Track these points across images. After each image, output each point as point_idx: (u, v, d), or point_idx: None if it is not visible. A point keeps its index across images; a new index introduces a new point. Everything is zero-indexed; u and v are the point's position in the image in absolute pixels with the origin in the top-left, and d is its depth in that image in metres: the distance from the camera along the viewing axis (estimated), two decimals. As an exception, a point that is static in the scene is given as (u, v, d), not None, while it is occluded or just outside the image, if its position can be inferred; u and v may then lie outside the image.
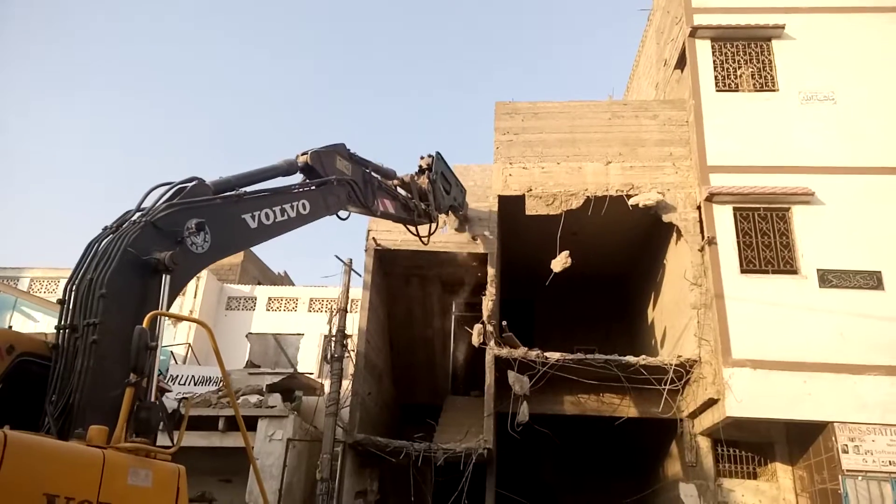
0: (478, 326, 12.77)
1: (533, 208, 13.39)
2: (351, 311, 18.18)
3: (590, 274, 16.45)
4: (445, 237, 13.62)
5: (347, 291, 14.28)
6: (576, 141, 13.81)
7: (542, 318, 17.98)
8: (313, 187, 7.80)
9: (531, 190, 13.53)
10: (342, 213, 8.51)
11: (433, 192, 11.10)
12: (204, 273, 21.76)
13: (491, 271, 13.25)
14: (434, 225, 11.62)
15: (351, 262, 15.35)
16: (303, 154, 7.89)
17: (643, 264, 15.94)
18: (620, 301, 17.60)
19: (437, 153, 11.54)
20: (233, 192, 6.60)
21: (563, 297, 17.12)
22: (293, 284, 27.92)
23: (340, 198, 8.26)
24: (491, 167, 14.15)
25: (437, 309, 15.54)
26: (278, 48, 66.75)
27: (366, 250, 13.80)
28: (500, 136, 14.11)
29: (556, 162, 13.69)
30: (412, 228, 11.16)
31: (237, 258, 25.48)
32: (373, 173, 9.27)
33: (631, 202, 13.10)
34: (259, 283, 25.54)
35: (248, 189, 6.89)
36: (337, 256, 14.16)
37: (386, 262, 14.26)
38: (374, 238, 13.72)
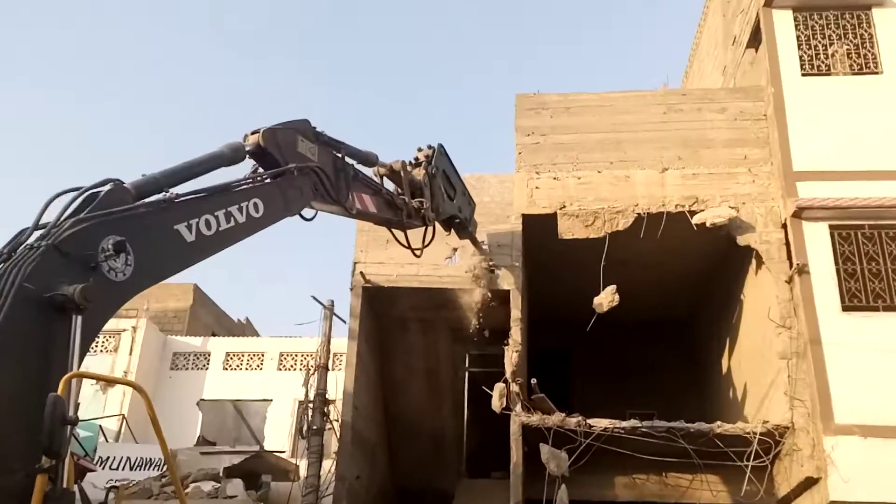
0: (499, 386, 12.63)
1: (568, 230, 13.34)
2: (333, 369, 18.00)
3: (644, 315, 16.32)
4: (454, 270, 13.57)
5: (328, 343, 14.18)
6: (621, 142, 13.81)
7: (584, 373, 17.87)
8: (268, 180, 7.53)
9: (564, 207, 13.50)
10: (307, 212, 8.22)
11: (430, 188, 10.89)
12: (142, 322, 21.77)
13: (515, 313, 13.15)
14: (431, 232, 11.42)
15: (332, 305, 15.30)
16: (253, 133, 7.61)
17: (713, 301, 15.82)
18: (684, 349, 17.49)
19: (440, 146, 11.45)
20: (161, 196, 6.27)
21: (610, 345, 16.97)
22: (258, 335, 27.88)
23: (304, 192, 7.96)
24: (511, 178, 14.15)
25: (445, 363, 15.44)
26: (255, 45, 68.02)
27: (351, 288, 13.75)
28: (522, 137, 14.14)
29: (596, 170, 13.67)
30: (399, 235, 10.91)
31: (184, 301, 25.51)
32: (347, 159, 9.00)
33: (695, 220, 13.04)
34: (214, 334, 25.49)
35: (182, 189, 6.58)
36: (314, 297, 14.17)
37: (378, 304, 14.21)
38: (361, 272, 13.69)
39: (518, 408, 12.48)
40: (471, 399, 15.40)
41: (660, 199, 13.29)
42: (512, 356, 12.77)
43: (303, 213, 8.18)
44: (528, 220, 13.61)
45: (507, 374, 12.72)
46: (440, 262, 13.60)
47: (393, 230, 10.86)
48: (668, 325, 17.27)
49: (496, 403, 12.55)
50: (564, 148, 13.92)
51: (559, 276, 15.18)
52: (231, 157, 7.25)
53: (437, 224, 11.65)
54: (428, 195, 10.81)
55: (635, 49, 68.68)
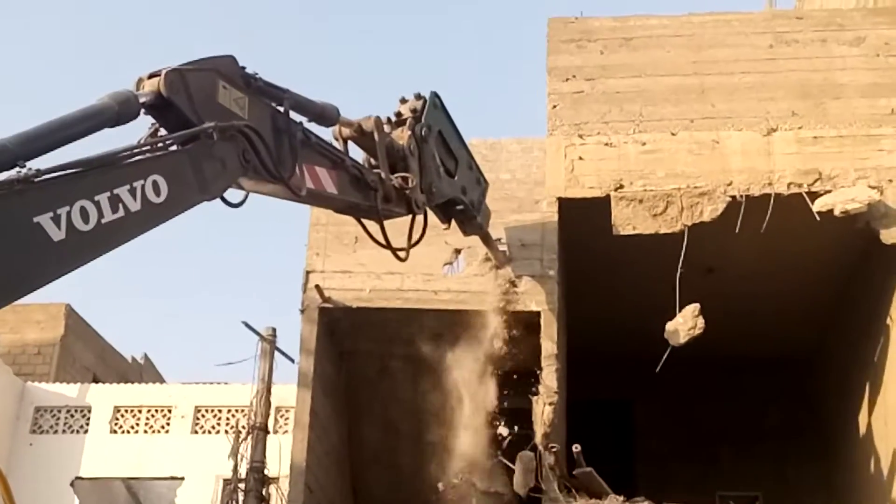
0: (524, 457, 12.62)
1: (626, 222, 13.31)
2: (276, 431, 18.01)
3: (741, 350, 16.26)
4: (458, 282, 13.54)
5: (268, 393, 14.14)
6: (705, 90, 13.79)
7: (652, 435, 17.87)
8: (173, 146, 7.54)
9: (622, 187, 13.47)
10: (232, 195, 8.18)
11: (420, 158, 11.00)
12: (-11, 362, 21.68)
13: (549, 347, 13.14)
14: (421, 224, 11.44)
15: (274, 335, 15.25)
16: (151, 76, 7.58)
17: (845, 329, 15.78)
18: (801, 401, 17.46)
19: (434, 95, 11.52)
20: (13, 174, 6.35)
21: (691, 394, 16.93)
22: (162, 380, 27.77)
23: (227, 164, 7.94)
24: (542, 144, 14.11)
25: (444, 422, 15.40)
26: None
27: (302, 310, 13.72)
28: (558, 83, 14.12)
29: (669, 131, 13.65)
30: (374, 228, 10.90)
31: (51, 331, 25.40)
32: (293, 114, 8.99)
33: (817, 206, 13.01)
34: (96, 380, 25.38)
35: (44, 164, 6.62)
36: (246, 324, 14.07)
37: (343, 334, 14.24)
38: (317, 286, 13.66)
39: (553, 488, 12.45)
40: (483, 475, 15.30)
41: (765, 174, 13.24)
42: (544, 411, 12.78)
43: (226, 195, 8.14)
44: (566, 206, 13.59)
45: (538, 438, 12.73)
46: (435, 271, 13.56)
47: (363, 221, 10.83)
48: (778, 365, 17.21)
49: (520, 482, 12.51)
50: (621, 99, 13.89)
51: (613, 290, 15.12)
52: (118, 112, 7.19)
53: (429, 212, 11.62)
54: (416, 168, 10.83)
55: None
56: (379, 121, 10.55)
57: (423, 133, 11.07)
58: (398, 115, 11.15)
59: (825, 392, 16.99)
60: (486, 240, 13.06)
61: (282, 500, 13.44)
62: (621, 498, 12.46)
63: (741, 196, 13.16)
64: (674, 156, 13.55)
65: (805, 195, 13.09)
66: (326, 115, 9.74)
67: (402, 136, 10.88)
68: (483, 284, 13.45)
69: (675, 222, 13.20)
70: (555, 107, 14.00)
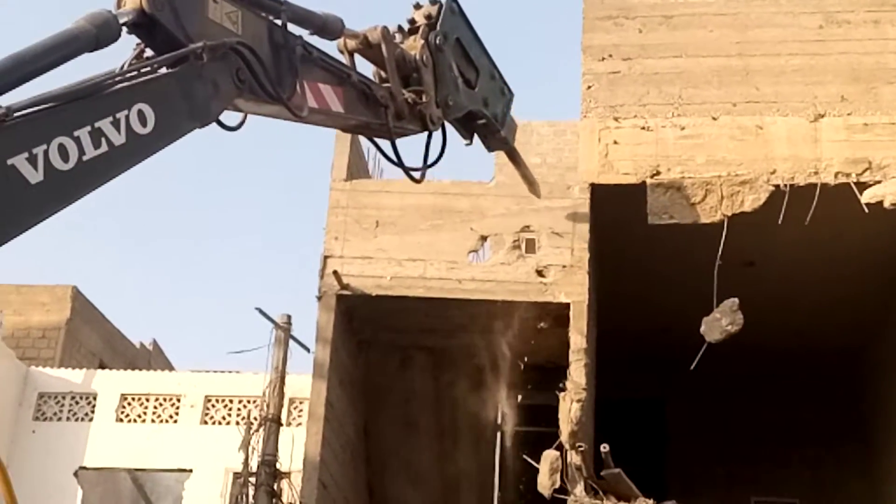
0: (550, 455, 12.61)
1: (663, 210, 13.25)
2: (289, 424, 18.01)
3: (781, 348, 16.23)
4: (483, 270, 13.52)
5: (282, 383, 14.14)
6: (751, 73, 13.70)
7: (684, 436, 17.81)
8: (162, 70, 7.34)
9: (659, 173, 13.41)
10: (228, 118, 8.03)
11: (435, 70, 10.74)
12: (-10, 344, 21.78)
13: (578, 341, 13.11)
14: (440, 143, 11.10)
15: (289, 323, 15.25)
16: None
17: (892, 325, 15.73)
18: (846, 401, 17.41)
19: (451, 0, 11.17)
20: None
21: (727, 393, 16.89)
22: (171, 368, 27.88)
23: (220, 86, 7.77)
24: (575, 126, 14.08)
25: (467, 418, 15.42)
26: None
27: (319, 297, 13.76)
28: (593, 63, 14.06)
29: (710, 116, 13.57)
30: (383, 146, 10.72)
31: (57, 314, 25.51)
32: (291, 26, 8.74)
33: (866, 197, 12.94)
34: (103, 366, 25.47)
35: (17, 98, 6.45)
36: (259, 310, 14.07)
37: (362, 323, 14.28)
38: (335, 272, 13.67)
39: (579, 490, 12.43)
40: (507, 472, 15.29)
41: (811, 162, 13.16)
42: (571, 409, 12.69)
43: (223, 118, 8.01)
44: (600, 193, 13.54)
45: (564, 437, 12.68)
46: (460, 259, 13.56)
47: (373, 140, 10.75)
48: (821, 365, 17.11)
49: (545, 482, 12.50)
50: (660, 80, 13.82)
51: (647, 283, 15.07)
52: (96, 35, 6.95)
53: (448, 127, 11.31)
54: (430, 81, 10.58)
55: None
56: (387, 31, 10.25)
57: (437, 42, 10.75)
58: (411, 22, 10.84)
59: (870, 394, 16.97)
60: (513, 156, 12.87)
61: (294, 496, 13.46)
62: (651, 501, 12.49)
63: (785, 185, 13.08)
64: (714, 141, 13.48)
65: (853, 185, 13.00)
66: (329, 28, 9.48)
67: (414, 45, 10.59)
68: (510, 273, 13.44)
69: (714, 212, 13.13)
70: (589, 87, 13.93)
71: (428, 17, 10.80)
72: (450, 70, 10.97)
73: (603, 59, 14.04)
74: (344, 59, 9.94)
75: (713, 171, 13.30)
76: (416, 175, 11.18)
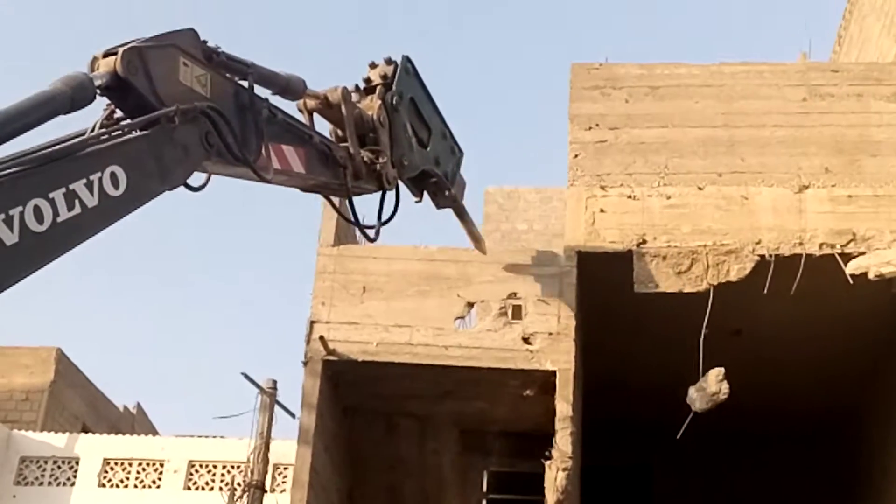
0: (536, 525, 12.54)
1: (649, 279, 13.29)
2: (273, 490, 17.89)
3: (767, 415, 16.20)
4: (469, 337, 13.51)
5: (266, 448, 14.06)
6: (736, 143, 13.82)
7: (671, 501, 17.77)
8: (134, 133, 7.36)
9: (645, 242, 13.47)
10: (193, 178, 8.02)
11: (391, 129, 10.84)
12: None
13: (564, 408, 13.07)
14: (393, 200, 11.21)
15: (274, 388, 15.21)
16: (106, 55, 7.42)
17: (879, 398, 15.70)
18: (829, 472, 17.36)
19: (406, 59, 11.37)
20: None
21: (714, 462, 16.91)
22: (155, 432, 27.71)
23: (189, 149, 7.83)
24: (561, 194, 14.15)
25: (451, 486, 15.34)
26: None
27: (305, 362, 13.70)
28: (580, 131, 14.17)
29: (696, 185, 13.66)
30: (339, 204, 10.92)
31: (40, 376, 25.38)
32: (260, 87, 8.94)
33: (850, 269, 12.98)
34: (86, 430, 25.30)
35: None
36: (245, 375, 14.04)
37: (348, 389, 14.19)
38: (321, 337, 13.64)
39: (565, 561, 12.35)
40: (490, 544, 15.23)
41: (796, 233, 13.23)
42: (557, 477, 12.67)
43: (188, 179, 8.00)
44: (586, 260, 13.57)
45: (550, 505, 12.60)
46: (446, 325, 13.54)
47: (330, 199, 10.82)
48: (806, 436, 17.15)
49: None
50: (646, 150, 13.94)
51: (633, 351, 15.08)
52: (72, 97, 7.04)
53: (401, 185, 11.42)
54: (386, 141, 10.67)
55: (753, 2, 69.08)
56: (346, 92, 10.37)
57: (393, 102, 10.90)
58: (367, 81, 10.96)
59: (857, 467, 16.86)
60: (461, 213, 12.86)
61: (277, 564, 13.30)
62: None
63: (770, 255, 13.13)
64: (700, 211, 13.55)
65: (838, 256, 13.06)
66: (292, 88, 9.65)
67: (371, 105, 10.70)
68: (496, 340, 13.41)
69: (700, 281, 13.17)
70: (576, 156, 14.03)
71: (384, 76, 10.94)
72: (404, 130, 11.12)
73: (590, 128, 14.15)
74: (303, 117, 10.10)
75: (699, 241, 13.36)
76: (371, 234, 11.30)
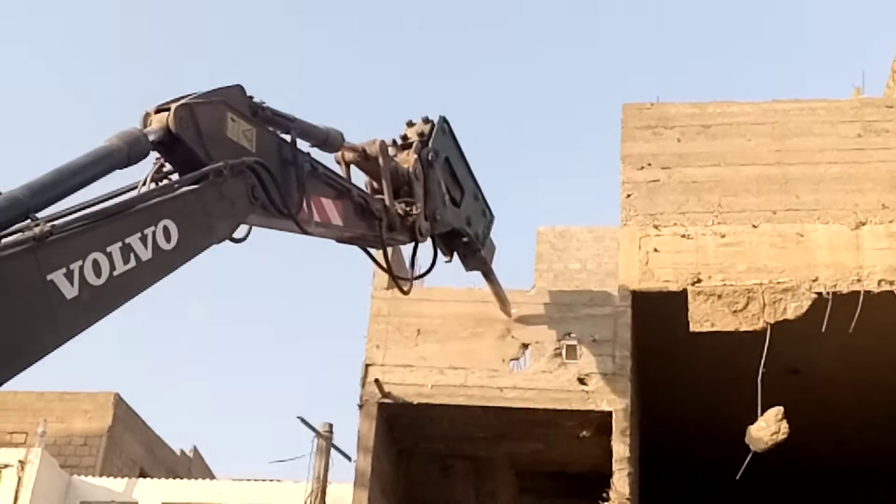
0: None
1: (705, 318, 13.21)
2: (329, 533, 17.91)
3: (828, 454, 16.06)
4: (525, 378, 13.48)
5: (323, 493, 14.07)
6: (790, 181, 13.75)
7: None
8: (183, 189, 7.56)
9: (700, 281, 13.40)
10: (237, 231, 8.25)
11: (425, 184, 11.03)
12: (34, 453, 21.89)
13: (621, 449, 12.98)
14: (429, 254, 11.60)
15: (330, 432, 15.23)
16: (158, 111, 7.65)
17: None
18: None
19: (442, 119, 11.63)
20: (26, 229, 6.14)
21: (774, 501, 16.64)
22: (211, 476, 27.81)
23: (236, 203, 8.04)
24: (614, 233, 14.13)
25: (507, 528, 15.25)
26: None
27: (360, 406, 13.73)
28: (632, 171, 14.17)
29: (750, 223, 13.59)
30: (376, 255, 11.00)
31: (99, 421, 25.62)
32: (299, 142, 9.13)
33: (912, 304, 12.85)
34: (144, 474, 25.46)
35: (55, 210, 6.55)
36: (301, 419, 14.08)
37: (403, 431, 14.22)
38: (376, 380, 13.67)
39: None
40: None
41: (853, 270, 13.11)
42: (615, 518, 12.58)
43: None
44: (640, 300, 13.54)
45: (609, 548, 12.53)
46: (500, 367, 13.52)
47: (367, 250, 10.91)
48: (870, 473, 16.89)
49: None
50: (699, 189, 13.90)
51: (690, 391, 14.96)
52: (127, 153, 7.28)
53: (434, 244, 11.74)
54: (420, 194, 10.85)
55: (805, 36, 68.88)
56: (384, 145, 10.58)
57: (429, 157, 11.12)
58: (404, 138, 11.21)
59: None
60: (489, 277, 13.05)
61: None
62: None
63: (828, 293, 13.01)
64: (755, 249, 13.47)
65: (897, 293, 12.94)
66: (331, 142, 9.85)
67: (407, 159, 10.92)
68: (551, 381, 13.37)
69: (756, 319, 13.07)
70: (629, 196, 14.02)
71: (420, 134, 11.20)
72: (438, 186, 11.33)
73: (642, 167, 14.14)
74: (340, 169, 10.29)
75: (754, 279, 13.28)
76: (406, 287, 11.69)
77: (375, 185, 10.51)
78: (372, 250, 10.92)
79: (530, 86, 74.43)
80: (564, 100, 74.78)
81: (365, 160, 10.45)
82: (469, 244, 12.28)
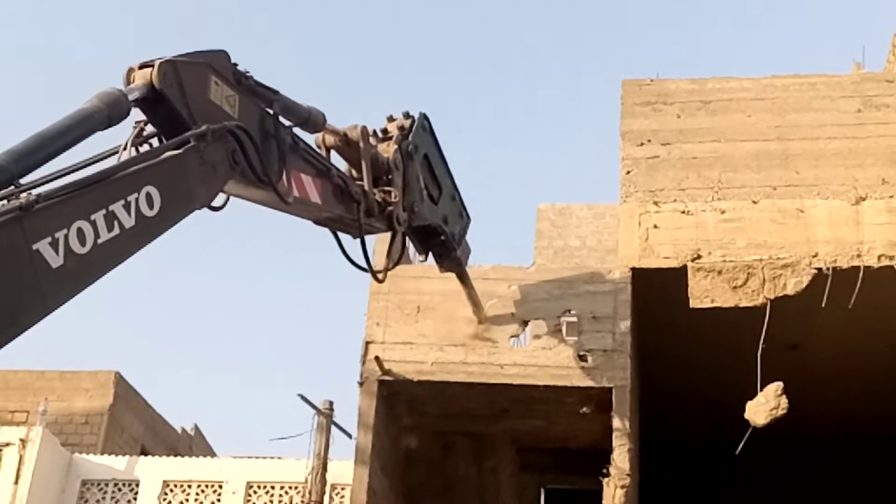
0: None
1: (704, 295, 13.20)
2: (330, 509, 17.93)
3: (827, 429, 16.09)
4: (524, 355, 13.49)
5: (324, 469, 14.11)
6: (789, 156, 13.72)
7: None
8: (166, 154, 7.51)
9: (699, 257, 13.39)
10: (217, 199, 8.26)
11: (404, 175, 11.08)
12: (35, 432, 21.92)
13: (621, 424, 13.02)
14: (398, 242, 11.57)
15: (331, 409, 15.26)
16: (142, 67, 7.60)
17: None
18: (892, 484, 17.15)
19: (423, 117, 11.70)
20: (13, 195, 6.17)
21: (774, 478, 16.79)
22: (213, 454, 27.85)
23: (217, 168, 8.02)
24: (614, 210, 14.12)
25: (509, 503, 15.36)
26: None
27: (361, 383, 13.74)
28: (632, 147, 14.14)
29: (750, 199, 13.58)
30: (345, 241, 10.89)
31: (100, 399, 25.64)
32: (283, 116, 9.17)
33: (911, 279, 12.85)
34: (145, 452, 25.48)
35: (39, 177, 6.54)
36: (301, 396, 14.10)
37: (404, 409, 14.26)
38: (376, 358, 13.68)
39: (625, 580, 12.30)
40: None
41: (853, 245, 13.10)
42: (615, 494, 12.61)
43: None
44: (640, 276, 13.54)
45: (608, 524, 12.55)
46: (500, 343, 13.54)
47: (337, 236, 10.92)
48: (868, 448, 16.95)
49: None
50: (699, 165, 13.87)
51: (690, 367, 14.98)
52: (108, 114, 7.25)
53: (407, 239, 11.80)
54: (399, 184, 10.89)
55: (804, 10, 68.65)
56: (365, 130, 10.61)
57: (409, 149, 11.19)
58: (384, 131, 11.26)
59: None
60: (463, 279, 13.05)
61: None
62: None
63: (828, 268, 13.00)
64: (755, 225, 13.46)
65: (897, 268, 12.93)
66: (312, 121, 9.84)
67: (387, 150, 10.96)
68: (551, 358, 13.38)
69: (756, 295, 13.07)
70: (629, 172, 13.99)
71: (401, 128, 11.28)
72: (417, 180, 11.39)
73: (642, 144, 14.11)
74: (321, 153, 10.27)
75: (754, 255, 13.27)
76: (380, 276, 11.63)
77: (355, 173, 10.53)
78: (343, 240, 10.86)
79: (529, 61, 74.16)
80: (563, 75, 74.49)
81: (346, 145, 10.48)
82: (445, 243, 12.33)
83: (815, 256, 13.13)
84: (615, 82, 14.61)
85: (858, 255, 13.06)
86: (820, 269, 13.03)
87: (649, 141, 14.12)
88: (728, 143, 13.94)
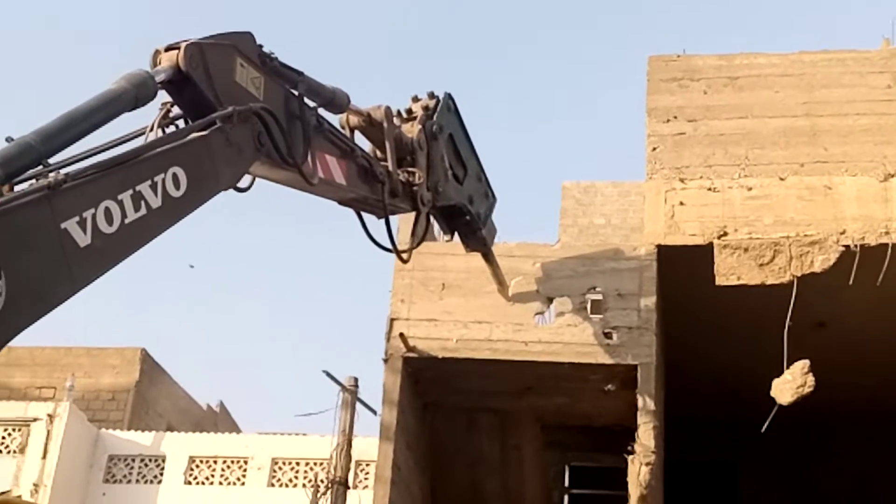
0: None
1: (731, 272, 13.15)
2: (356, 486, 17.99)
3: (854, 407, 15.99)
4: (548, 332, 13.48)
5: (349, 445, 14.15)
6: (818, 133, 13.62)
7: (756, 499, 17.59)
8: (192, 135, 7.60)
9: (726, 234, 13.33)
10: (242, 181, 8.36)
11: (428, 155, 11.08)
12: (63, 408, 22.10)
13: (646, 403, 13.01)
14: (423, 223, 11.56)
15: (356, 386, 15.29)
16: (168, 49, 7.66)
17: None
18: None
19: (448, 96, 11.68)
20: (40, 176, 6.23)
21: (801, 456, 16.73)
22: (238, 430, 28.03)
23: (243, 149, 8.09)
24: (639, 188, 14.05)
25: (532, 481, 15.37)
26: None
27: (385, 360, 13.78)
28: (658, 124, 14.06)
29: (777, 176, 13.49)
30: (368, 221, 10.94)
31: (126, 376, 25.85)
32: (307, 97, 9.21)
33: (940, 258, 12.74)
34: (171, 428, 25.67)
35: (66, 157, 6.63)
36: (327, 373, 14.13)
37: (428, 386, 14.24)
38: (401, 335, 13.70)
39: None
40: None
41: (882, 222, 13.00)
42: (640, 472, 12.60)
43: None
44: (666, 254, 13.49)
45: (633, 501, 12.60)
46: (525, 321, 13.52)
47: (361, 217, 10.94)
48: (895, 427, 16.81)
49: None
50: (726, 141, 13.79)
51: (715, 344, 14.94)
52: (135, 95, 7.32)
53: (432, 219, 11.80)
54: (423, 164, 10.90)
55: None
56: (389, 111, 10.62)
57: (434, 130, 11.17)
58: (409, 111, 11.26)
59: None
60: (488, 258, 13.04)
61: (361, 560, 13.38)
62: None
63: (856, 245, 12.93)
64: (782, 202, 13.38)
65: (925, 245, 12.84)
66: (336, 102, 9.87)
67: (411, 130, 10.96)
68: (576, 335, 13.36)
69: (783, 273, 13.00)
70: (654, 149, 13.93)
71: (425, 108, 11.26)
72: (441, 160, 11.38)
73: (668, 120, 14.04)
74: (345, 132, 10.31)
75: (781, 232, 13.20)
76: (405, 255, 11.62)
77: (379, 154, 10.55)
78: (367, 219, 10.90)
79: (554, 39, 73.97)
80: (588, 52, 74.23)
81: (370, 125, 10.49)
82: (470, 223, 12.32)
83: (842, 233, 13.06)
84: (642, 59, 14.54)
85: (887, 233, 12.98)
86: (847, 247, 12.96)
87: (675, 117, 14.05)
88: (755, 120, 13.85)
